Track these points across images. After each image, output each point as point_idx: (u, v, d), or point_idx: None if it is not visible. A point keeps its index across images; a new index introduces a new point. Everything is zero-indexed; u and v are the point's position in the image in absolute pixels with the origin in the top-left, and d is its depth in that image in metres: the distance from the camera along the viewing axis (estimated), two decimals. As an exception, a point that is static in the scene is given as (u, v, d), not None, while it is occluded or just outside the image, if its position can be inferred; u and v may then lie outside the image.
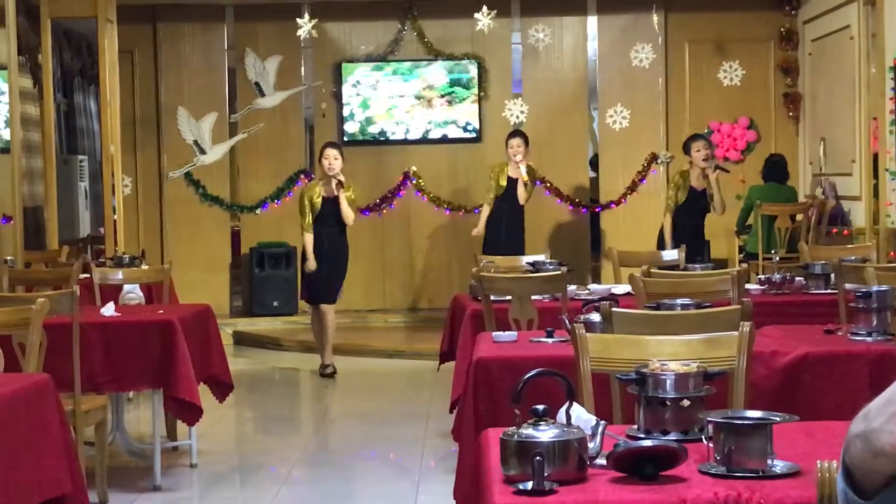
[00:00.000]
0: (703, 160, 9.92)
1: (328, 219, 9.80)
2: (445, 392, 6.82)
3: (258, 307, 12.74)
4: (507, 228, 10.80)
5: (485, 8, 11.28)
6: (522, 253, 10.04)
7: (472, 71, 13.02)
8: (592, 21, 13.13)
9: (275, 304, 12.72)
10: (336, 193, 9.71)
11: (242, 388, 9.13)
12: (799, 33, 12.82)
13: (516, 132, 10.99)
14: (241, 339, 12.12)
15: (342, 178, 9.72)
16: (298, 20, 11.76)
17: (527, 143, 10.70)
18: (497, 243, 10.56)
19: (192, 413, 6.34)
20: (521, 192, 10.70)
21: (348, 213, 9.78)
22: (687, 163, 10.23)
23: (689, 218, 9.99)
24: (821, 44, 12.25)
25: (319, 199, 9.79)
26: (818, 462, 2.19)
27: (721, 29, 12.92)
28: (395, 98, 13.02)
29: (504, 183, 10.75)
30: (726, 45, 12.96)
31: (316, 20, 11.78)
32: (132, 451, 7.09)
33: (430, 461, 7.05)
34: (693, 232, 9.94)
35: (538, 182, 11.61)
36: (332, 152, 9.78)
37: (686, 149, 10.19)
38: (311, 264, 9.79)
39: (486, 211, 10.89)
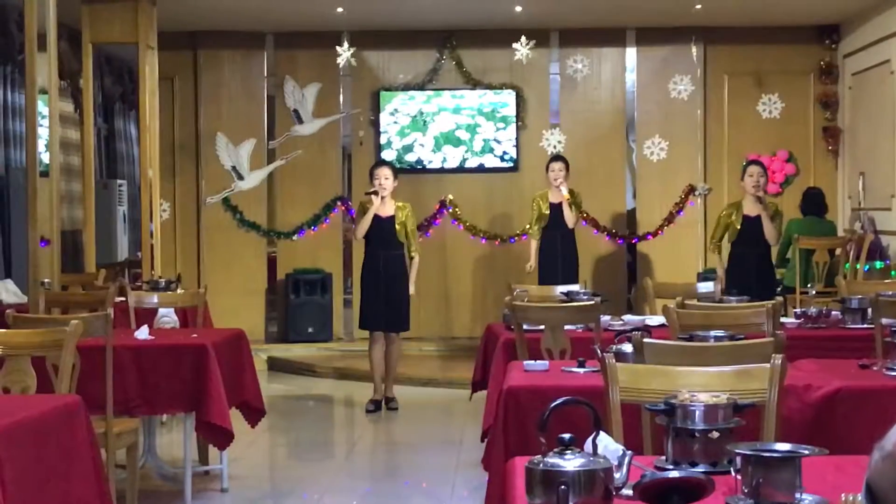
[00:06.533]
0: (753, 187, 9.25)
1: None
2: (478, 421, 6.80)
3: (293, 333, 12.78)
4: (562, 256, 10.54)
5: (523, 38, 11.28)
6: (577, 281, 9.73)
7: (510, 100, 13.03)
8: (631, 52, 13.13)
9: (310, 330, 12.76)
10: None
11: (275, 414, 9.14)
12: (839, 67, 12.78)
13: (557, 157, 10.87)
14: (276, 365, 12.16)
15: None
16: (338, 48, 11.81)
17: (567, 168, 10.58)
18: (553, 273, 10.26)
19: (223, 438, 6.34)
20: (568, 215, 10.46)
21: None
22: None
23: (744, 247, 9.36)
24: (861, 78, 12.20)
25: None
26: (842, 495, 2.17)
27: (760, 62, 12.89)
28: (433, 127, 13.04)
29: (547, 211, 10.53)
30: (766, 77, 12.93)
31: (355, 48, 11.83)
32: (163, 474, 7.09)
33: (463, 490, 7.01)
34: (754, 262, 9.36)
35: (582, 219, 11.43)
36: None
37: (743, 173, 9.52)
38: None
39: (535, 245, 10.62)
